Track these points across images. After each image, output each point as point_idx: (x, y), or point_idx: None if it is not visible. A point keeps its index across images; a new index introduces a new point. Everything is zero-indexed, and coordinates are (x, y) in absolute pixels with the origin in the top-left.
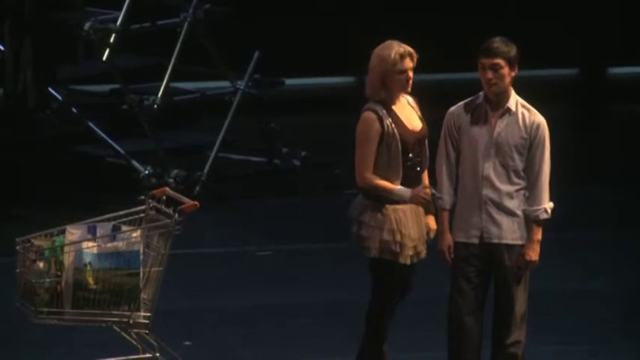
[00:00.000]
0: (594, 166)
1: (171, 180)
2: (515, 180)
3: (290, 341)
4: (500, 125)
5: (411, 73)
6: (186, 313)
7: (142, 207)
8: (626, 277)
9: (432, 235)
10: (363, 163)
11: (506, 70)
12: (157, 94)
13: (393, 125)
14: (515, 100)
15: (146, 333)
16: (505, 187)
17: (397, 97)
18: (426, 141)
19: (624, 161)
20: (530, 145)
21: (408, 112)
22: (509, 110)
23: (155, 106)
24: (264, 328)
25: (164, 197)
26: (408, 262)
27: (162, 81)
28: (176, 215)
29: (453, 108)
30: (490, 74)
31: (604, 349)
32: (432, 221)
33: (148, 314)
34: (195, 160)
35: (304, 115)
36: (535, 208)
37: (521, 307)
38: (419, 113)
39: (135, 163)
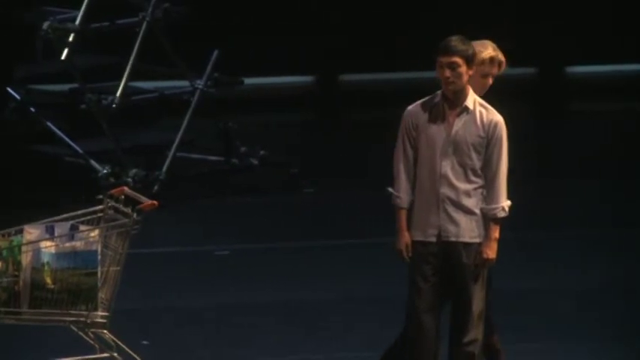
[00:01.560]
0: (550, 163)
1: (129, 179)
2: (473, 178)
3: (249, 340)
4: (458, 124)
5: (490, 80)
6: (144, 313)
7: (100, 206)
8: (578, 274)
9: None
10: None
11: (463, 69)
12: (116, 94)
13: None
14: (472, 99)
15: (104, 332)
16: (463, 186)
17: (479, 92)
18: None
19: (583, 159)
20: (487, 143)
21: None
22: (466, 109)
23: (113, 105)
24: (222, 328)
25: (122, 197)
26: None
27: (121, 80)
28: (134, 214)
29: (410, 107)
30: (448, 72)
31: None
32: None
33: (106, 314)
34: (154, 159)
35: (263, 115)
36: (493, 206)
37: (479, 305)
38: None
39: (93, 163)
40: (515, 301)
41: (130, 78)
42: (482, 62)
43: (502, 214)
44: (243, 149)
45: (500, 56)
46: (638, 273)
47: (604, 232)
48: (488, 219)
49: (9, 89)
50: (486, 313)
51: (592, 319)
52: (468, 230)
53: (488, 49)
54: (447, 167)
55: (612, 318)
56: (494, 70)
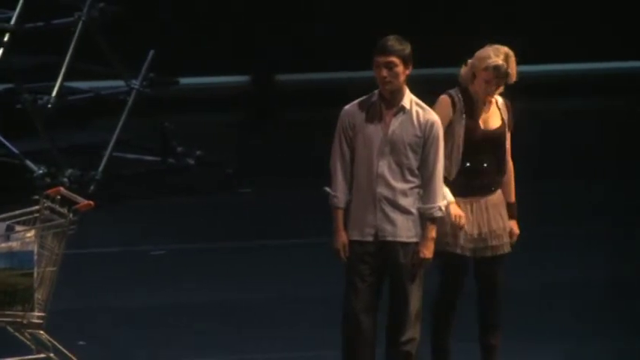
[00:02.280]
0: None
1: (65, 179)
2: (410, 178)
3: (185, 341)
4: (395, 123)
5: (494, 88)
6: (80, 313)
7: (36, 207)
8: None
9: (513, 239)
10: None
11: (400, 68)
12: (52, 94)
13: (464, 116)
14: (409, 99)
15: (40, 333)
16: (399, 185)
17: (482, 96)
18: (505, 151)
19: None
20: (424, 143)
21: (491, 111)
22: (403, 108)
23: (49, 105)
24: (159, 328)
25: (58, 197)
26: (459, 251)
27: (57, 80)
28: (70, 215)
29: (347, 106)
30: (384, 72)
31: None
32: (516, 227)
33: (42, 314)
34: (90, 159)
35: (199, 115)
36: (429, 205)
37: (416, 304)
38: (504, 116)
39: (29, 163)
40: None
41: (66, 78)
42: (486, 68)
43: (439, 214)
44: (179, 149)
45: (509, 68)
46: (616, 269)
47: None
48: (425, 218)
49: None
50: (482, 313)
51: (585, 318)
52: (404, 230)
53: (497, 57)
54: (384, 167)
55: (599, 315)
56: (499, 81)
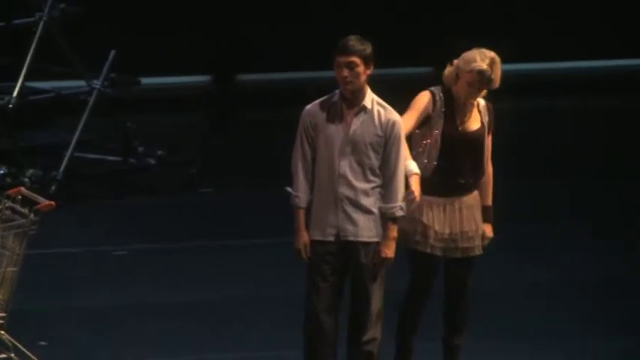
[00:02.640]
0: None
1: (26, 180)
2: (371, 178)
3: (148, 340)
4: (356, 123)
5: (477, 92)
6: (42, 313)
7: None
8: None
9: (485, 242)
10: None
11: (361, 68)
12: (12, 94)
13: (443, 115)
14: (370, 98)
15: (1, 333)
16: (361, 185)
17: (464, 98)
18: (483, 154)
19: None
20: (385, 142)
21: (471, 113)
22: (364, 108)
23: (10, 105)
24: (121, 328)
25: (19, 197)
26: (428, 251)
27: (18, 80)
28: (32, 215)
29: (309, 106)
30: (346, 72)
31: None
32: (489, 230)
33: (3, 314)
34: (51, 159)
35: (160, 115)
36: (390, 205)
37: (377, 304)
38: (485, 119)
39: None
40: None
41: (27, 78)
42: (471, 71)
43: (400, 213)
44: (141, 149)
45: (493, 74)
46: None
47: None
48: (386, 218)
49: None
50: (448, 313)
51: (563, 317)
52: (366, 230)
53: (483, 62)
54: (346, 167)
55: (582, 315)
56: (482, 85)
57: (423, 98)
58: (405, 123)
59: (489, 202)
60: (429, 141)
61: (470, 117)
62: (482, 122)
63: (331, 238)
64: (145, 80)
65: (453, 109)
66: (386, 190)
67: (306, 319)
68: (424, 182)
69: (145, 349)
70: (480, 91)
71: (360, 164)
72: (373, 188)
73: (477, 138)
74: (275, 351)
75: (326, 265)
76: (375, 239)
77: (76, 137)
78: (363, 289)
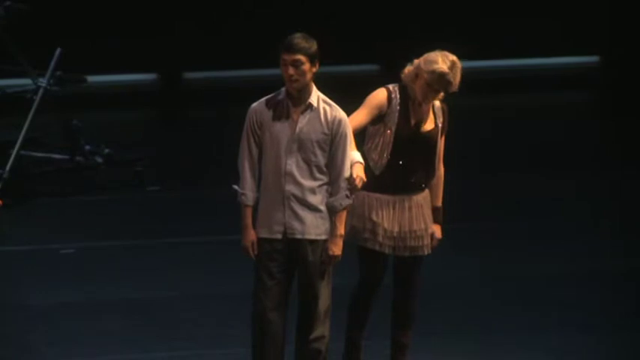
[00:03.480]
0: None
1: None
2: (318, 175)
3: (94, 338)
4: (302, 121)
5: (434, 94)
6: None
7: None
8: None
9: (434, 243)
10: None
11: (307, 66)
12: None
13: (398, 113)
14: (316, 96)
15: None
16: (308, 183)
17: (421, 98)
18: (435, 154)
19: None
20: (332, 140)
21: (426, 113)
22: (310, 106)
23: None
24: (68, 326)
25: None
26: (377, 248)
27: None
28: None
29: (254, 104)
30: (291, 70)
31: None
32: (439, 231)
33: None
34: None
35: (107, 113)
36: (335, 197)
37: (325, 302)
38: (439, 120)
39: None
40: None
41: None
42: (432, 73)
43: (347, 202)
44: (87, 147)
45: (453, 77)
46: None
47: None
48: (333, 214)
49: None
50: (395, 311)
51: (538, 312)
52: (313, 227)
53: (444, 64)
54: (292, 164)
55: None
56: (440, 87)
57: (378, 95)
58: (357, 118)
59: (439, 202)
60: (381, 139)
61: (424, 117)
62: (436, 123)
63: (278, 236)
64: (92, 78)
65: (408, 107)
66: (333, 187)
67: (254, 317)
68: (374, 179)
69: (93, 347)
70: (437, 92)
71: (307, 162)
72: (320, 186)
73: (430, 138)
74: (223, 349)
75: (273, 262)
76: (323, 237)
77: (22, 135)
78: (310, 287)
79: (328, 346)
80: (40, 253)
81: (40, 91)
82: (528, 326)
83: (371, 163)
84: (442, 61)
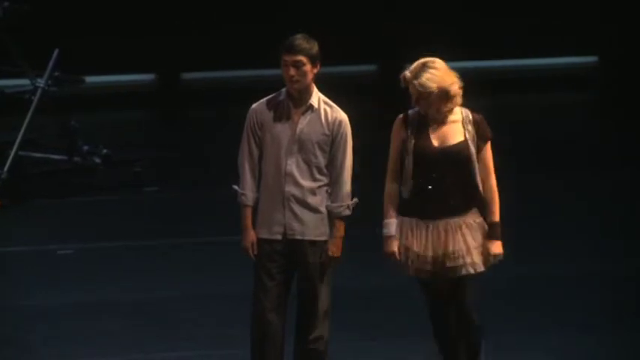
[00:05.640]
0: None
1: None
2: (318, 176)
3: (93, 339)
4: (303, 122)
5: (425, 104)
6: None
7: None
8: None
9: (492, 260)
10: (388, 168)
11: (308, 67)
12: None
13: (414, 133)
14: (317, 97)
15: None
16: (308, 184)
17: (423, 111)
18: (470, 169)
19: None
20: (332, 141)
21: (449, 127)
22: (311, 107)
23: None
24: (66, 327)
25: None
26: (411, 274)
27: None
28: None
29: (255, 105)
30: (292, 71)
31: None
32: (494, 246)
33: None
34: None
35: (105, 113)
36: (337, 204)
37: (325, 303)
38: (468, 130)
39: None
40: (362, 299)
41: None
42: (405, 85)
43: (347, 213)
44: (86, 148)
45: (418, 81)
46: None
47: None
48: (333, 217)
49: None
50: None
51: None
52: (313, 228)
53: (409, 73)
54: (292, 165)
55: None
56: (419, 97)
57: (395, 124)
58: (390, 158)
59: (494, 218)
60: (406, 162)
61: (447, 130)
62: (465, 136)
63: (278, 237)
64: (90, 79)
65: (424, 125)
66: (333, 189)
67: (253, 318)
68: (404, 203)
69: (93, 347)
70: (428, 102)
71: (307, 163)
72: (320, 187)
73: (458, 153)
74: (223, 349)
75: (273, 263)
76: (323, 238)
77: (20, 136)
78: (310, 288)
79: (327, 346)
80: (37, 254)
81: (38, 92)
82: (528, 326)
83: (401, 188)
84: (409, 70)
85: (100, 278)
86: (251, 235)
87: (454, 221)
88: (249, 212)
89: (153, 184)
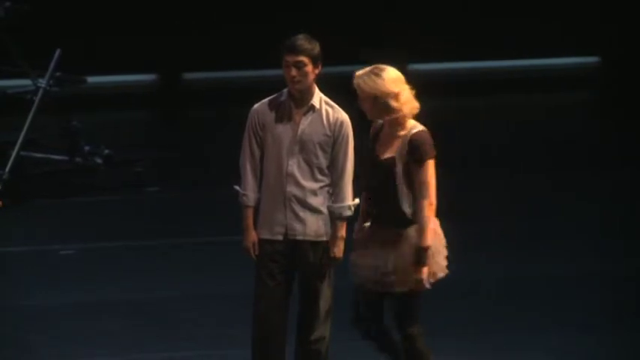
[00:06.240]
0: None
1: None
2: (320, 177)
3: (94, 339)
4: (304, 122)
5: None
6: None
7: None
8: None
9: (410, 284)
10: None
11: (309, 68)
12: None
13: (371, 141)
14: (319, 98)
15: None
16: (309, 185)
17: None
18: (392, 185)
19: None
20: (333, 142)
21: (393, 141)
22: (313, 107)
23: None
24: (68, 327)
25: None
26: (357, 281)
27: None
28: None
29: (256, 105)
30: (294, 72)
31: None
32: (416, 271)
33: None
34: None
35: (107, 113)
36: (339, 205)
37: (326, 303)
38: (402, 149)
39: None
40: None
41: None
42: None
43: (348, 213)
44: (87, 148)
45: (365, 83)
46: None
47: None
48: (334, 218)
49: None
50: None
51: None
52: (314, 229)
53: (360, 72)
54: (294, 166)
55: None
56: (365, 101)
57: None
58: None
59: (420, 242)
60: None
61: (387, 143)
62: (396, 152)
63: (279, 237)
64: (91, 79)
65: (379, 133)
66: (334, 189)
67: (255, 318)
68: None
69: (93, 347)
70: (366, 106)
71: (309, 163)
72: (321, 188)
73: (384, 167)
74: (223, 349)
75: (274, 263)
76: (324, 238)
77: (22, 136)
78: (311, 289)
79: (329, 347)
80: (39, 254)
81: (40, 92)
82: (528, 326)
83: None
84: (357, 75)
85: (100, 278)
86: (252, 236)
87: (386, 235)
88: (250, 213)
89: (154, 185)
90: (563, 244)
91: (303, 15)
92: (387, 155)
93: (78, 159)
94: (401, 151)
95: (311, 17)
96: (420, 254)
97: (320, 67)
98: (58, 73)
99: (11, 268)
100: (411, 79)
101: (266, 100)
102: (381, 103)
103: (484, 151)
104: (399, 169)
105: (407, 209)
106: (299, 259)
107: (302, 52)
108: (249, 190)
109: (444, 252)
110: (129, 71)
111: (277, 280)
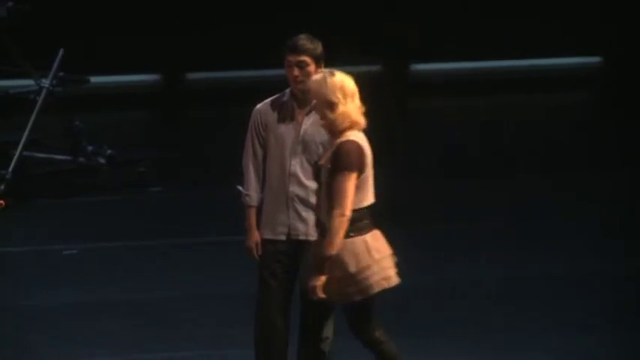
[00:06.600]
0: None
1: None
2: None
3: (95, 339)
4: (307, 122)
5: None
6: None
7: None
8: None
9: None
10: None
11: (312, 68)
12: None
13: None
14: None
15: None
16: (312, 184)
17: None
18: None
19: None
20: None
21: (333, 147)
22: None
23: None
24: (68, 326)
25: None
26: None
27: None
28: None
29: (259, 105)
30: (296, 71)
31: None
32: (309, 278)
33: None
34: (0, 159)
35: (109, 113)
36: None
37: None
38: (329, 157)
39: None
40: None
41: None
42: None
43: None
44: (90, 148)
45: (317, 85)
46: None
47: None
48: None
49: None
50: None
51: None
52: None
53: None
54: (297, 166)
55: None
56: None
57: None
58: None
59: (322, 249)
60: None
61: (327, 150)
62: (326, 160)
63: (282, 237)
64: (94, 79)
65: None
66: None
67: (257, 318)
68: None
69: (93, 347)
70: (319, 108)
71: (311, 163)
72: None
73: (316, 172)
74: (223, 349)
75: (277, 263)
76: None
77: (24, 136)
78: None
79: (331, 347)
80: (42, 254)
81: (43, 92)
82: (528, 326)
83: None
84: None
85: (100, 278)
86: (255, 236)
87: (317, 244)
88: (253, 213)
89: (157, 184)
90: (563, 244)
91: (304, 15)
92: (322, 161)
93: (81, 159)
94: (329, 159)
95: (311, 17)
96: (318, 262)
97: (322, 66)
98: (60, 73)
99: (11, 268)
100: (411, 79)
101: (268, 100)
102: (319, 108)
103: (484, 151)
104: (324, 177)
105: (325, 219)
106: (302, 259)
107: (304, 51)
108: (251, 190)
109: (387, 263)
110: (131, 71)
111: (280, 281)
